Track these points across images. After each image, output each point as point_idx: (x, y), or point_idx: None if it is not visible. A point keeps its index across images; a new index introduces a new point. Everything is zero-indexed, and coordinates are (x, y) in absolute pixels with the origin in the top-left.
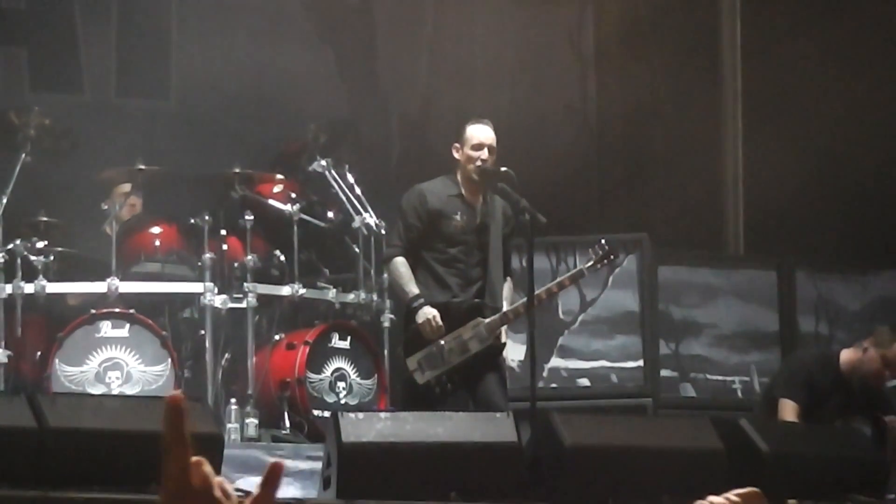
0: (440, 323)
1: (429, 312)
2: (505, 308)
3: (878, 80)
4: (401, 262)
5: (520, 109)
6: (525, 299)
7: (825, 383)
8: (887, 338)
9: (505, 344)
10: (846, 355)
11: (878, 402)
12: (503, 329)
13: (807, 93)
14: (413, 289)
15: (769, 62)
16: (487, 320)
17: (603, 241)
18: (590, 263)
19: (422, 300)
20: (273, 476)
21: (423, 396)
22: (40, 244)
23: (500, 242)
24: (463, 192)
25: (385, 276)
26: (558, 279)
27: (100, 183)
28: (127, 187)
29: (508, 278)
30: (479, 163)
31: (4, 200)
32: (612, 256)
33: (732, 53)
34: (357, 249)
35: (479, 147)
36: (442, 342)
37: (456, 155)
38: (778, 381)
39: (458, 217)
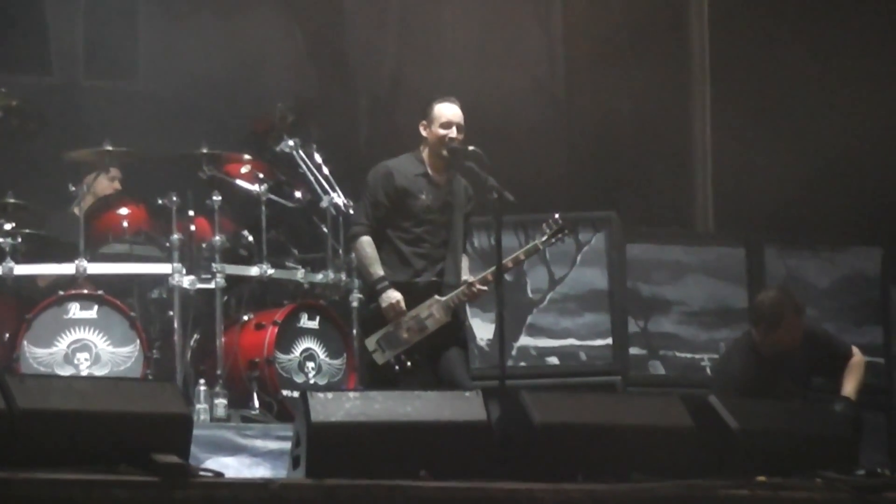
0: (403, 308)
1: (392, 297)
2: (456, 291)
3: (848, 57)
4: (367, 242)
5: (488, 87)
6: (471, 280)
7: (757, 370)
8: (756, 318)
9: (462, 322)
10: (757, 338)
11: (823, 354)
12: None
13: (775, 70)
14: (378, 270)
15: (737, 38)
16: (443, 298)
17: (557, 216)
18: (544, 238)
19: (386, 283)
20: None
21: (384, 376)
22: (8, 226)
23: (461, 222)
24: (429, 171)
25: (353, 255)
26: (513, 255)
27: (68, 164)
28: (105, 176)
29: (465, 256)
30: (448, 140)
31: None
32: (566, 231)
33: (700, 30)
34: (325, 229)
35: (447, 125)
36: (400, 322)
37: (424, 133)
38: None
39: (423, 196)
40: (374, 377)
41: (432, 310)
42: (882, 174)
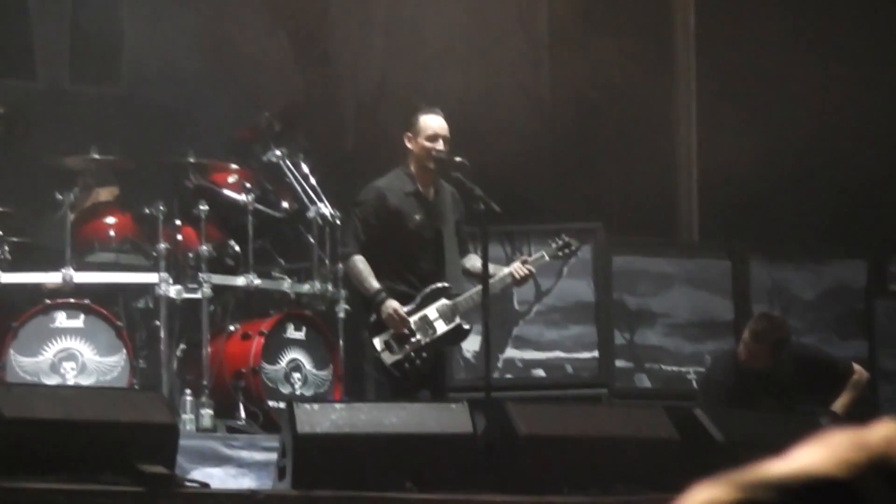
0: (403, 314)
1: (390, 306)
2: (464, 295)
3: (835, 64)
4: (359, 260)
5: (473, 94)
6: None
7: (741, 385)
8: (747, 334)
9: (469, 329)
10: (740, 352)
11: (811, 370)
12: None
13: (761, 78)
14: (373, 283)
15: (723, 46)
16: (452, 301)
17: (564, 236)
18: (553, 250)
19: (382, 294)
20: None
21: (394, 376)
22: None
23: (454, 231)
24: (419, 187)
25: (340, 266)
26: (527, 262)
27: (54, 171)
28: (106, 191)
29: (472, 255)
30: (434, 153)
31: None
32: (573, 248)
33: (686, 37)
34: (312, 239)
35: (434, 138)
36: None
37: (409, 145)
38: (697, 401)
39: (417, 217)
40: (384, 377)
41: (441, 311)
42: (867, 186)
